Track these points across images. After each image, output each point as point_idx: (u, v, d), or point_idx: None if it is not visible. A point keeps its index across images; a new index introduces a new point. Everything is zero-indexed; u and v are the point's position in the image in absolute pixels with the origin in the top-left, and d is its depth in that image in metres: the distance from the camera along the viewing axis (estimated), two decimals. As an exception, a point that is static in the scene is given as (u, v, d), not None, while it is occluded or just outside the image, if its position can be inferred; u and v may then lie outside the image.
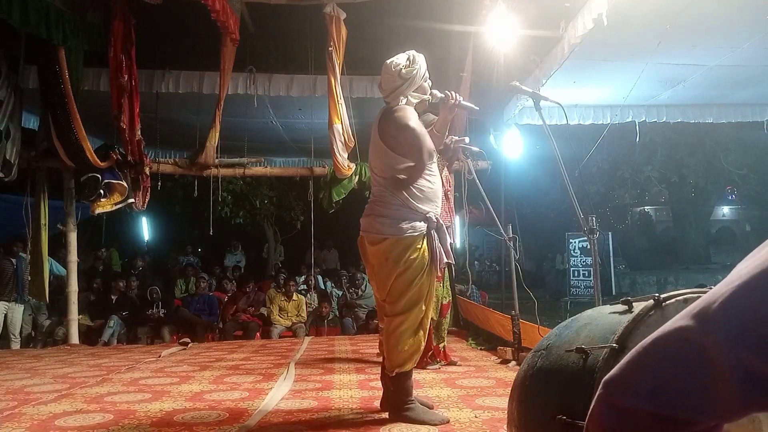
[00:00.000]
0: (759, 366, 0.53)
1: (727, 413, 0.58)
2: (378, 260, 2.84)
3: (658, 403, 0.60)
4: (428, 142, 2.80)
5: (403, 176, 2.81)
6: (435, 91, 2.95)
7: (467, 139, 4.05)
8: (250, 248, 13.90)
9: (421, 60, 2.86)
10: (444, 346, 4.46)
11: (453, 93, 2.95)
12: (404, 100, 2.83)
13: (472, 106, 3.18)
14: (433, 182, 2.90)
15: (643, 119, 7.39)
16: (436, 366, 4.28)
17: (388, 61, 2.85)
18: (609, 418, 0.64)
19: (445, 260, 2.88)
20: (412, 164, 2.79)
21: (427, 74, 2.91)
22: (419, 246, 2.78)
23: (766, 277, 0.55)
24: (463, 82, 6.36)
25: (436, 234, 2.83)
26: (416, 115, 2.84)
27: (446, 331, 4.53)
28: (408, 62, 2.83)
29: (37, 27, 5.60)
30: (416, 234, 2.78)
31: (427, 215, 2.82)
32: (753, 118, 7.46)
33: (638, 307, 1.41)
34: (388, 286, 2.81)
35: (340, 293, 9.45)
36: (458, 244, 6.95)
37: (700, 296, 0.63)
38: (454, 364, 4.43)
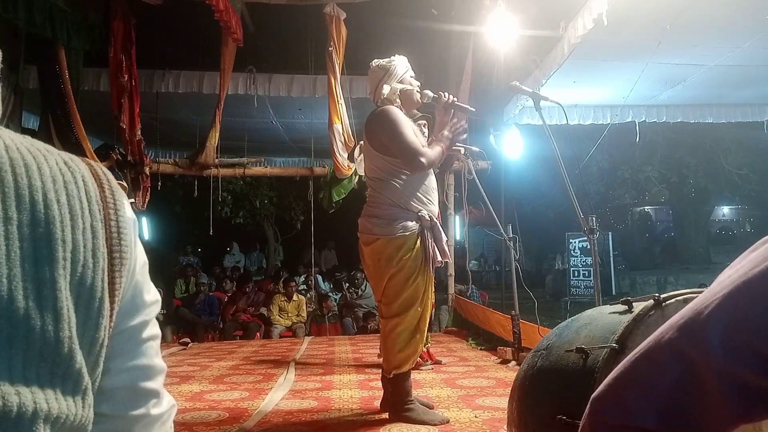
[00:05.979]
0: (750, 378, 0.53)
1: (717, 426, 0.57)
2: (372, 260, 2.83)
3: (646, 419, 0.59)
4: (414, 140, 2.75)
5: (403, 176, 2.80)
6: (427, 91, 2.94)
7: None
8: (250, 248, 13.90)
9: (401, 58, 2.92)
10: (428, 347, 4.45)
11: (446, 93, 2.93)
12: (387, 89, 2.84)
13: (467, 106, 3.12)
14: (428, 181, 2.88)
15: (643, 119, 7.39)
16: (429, 367, 4.28)
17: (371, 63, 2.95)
18: None
19: (441, 260, 2.83)
20: (401, 163, 2.78)
21: (411, 71, 2.95)
22: (412, 246, 2.75)
23: (751, 287, 0.54)
24: (463, 82, 6.35)
25: (430, 233, 2.80)
26: (401, 114, 2.81)
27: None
28: (387, 59, 2.91)
29: (42, 27, 5.59)
30: (408, 234, 2.75)
31: (420, 214, 2.79)
32: (753, 118, 7.45)
33: (638, 307, 1.41)
34: (382, 286, 2.80)
35: (339, 295, 9.44)
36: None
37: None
38: (439, 363, 4.45)
